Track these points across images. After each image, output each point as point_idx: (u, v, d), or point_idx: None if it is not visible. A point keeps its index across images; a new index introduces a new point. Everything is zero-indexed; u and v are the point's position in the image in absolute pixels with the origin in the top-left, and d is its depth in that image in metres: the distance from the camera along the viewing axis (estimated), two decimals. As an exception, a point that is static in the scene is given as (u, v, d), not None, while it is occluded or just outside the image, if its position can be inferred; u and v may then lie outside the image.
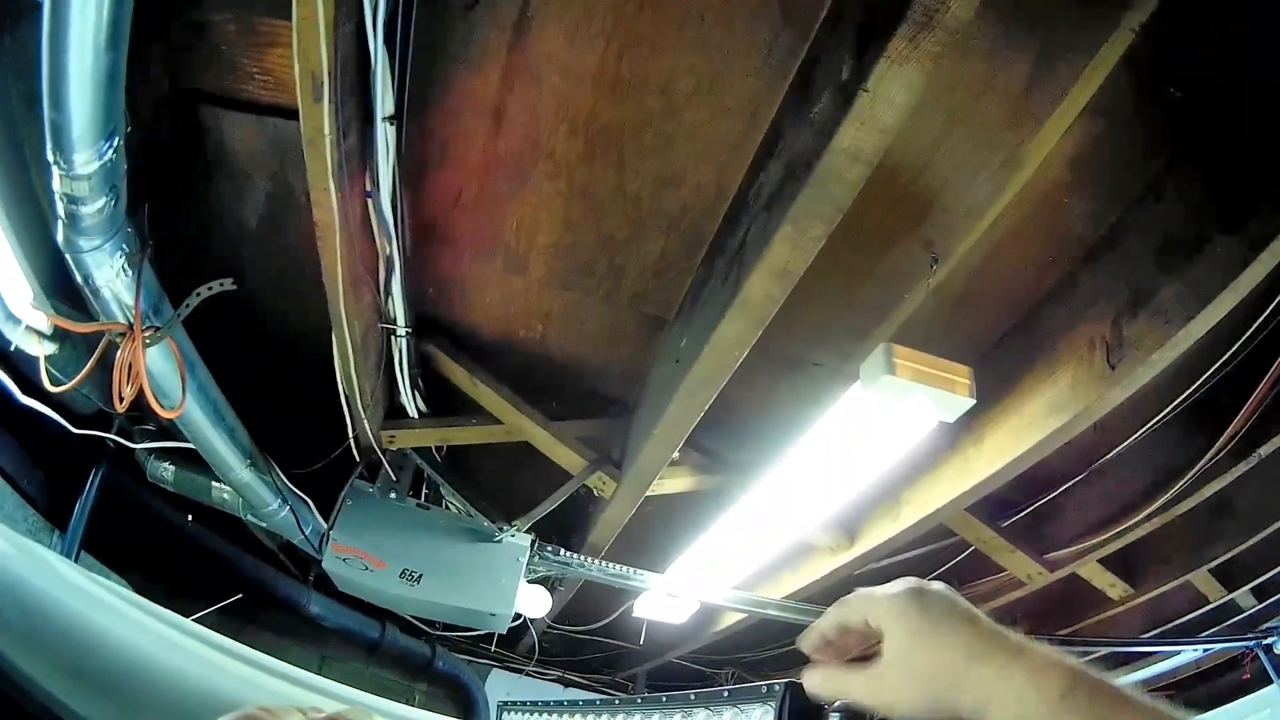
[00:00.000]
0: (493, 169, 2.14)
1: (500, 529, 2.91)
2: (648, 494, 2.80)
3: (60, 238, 1.96)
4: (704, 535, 3.01)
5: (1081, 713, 0.63)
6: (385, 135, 1.83)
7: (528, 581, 3.16)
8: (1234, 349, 2.16)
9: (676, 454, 2.43)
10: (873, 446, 2.24)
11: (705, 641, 4.41)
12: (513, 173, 2.12)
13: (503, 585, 2.92)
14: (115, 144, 1.75)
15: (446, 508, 3.10)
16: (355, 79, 1.73)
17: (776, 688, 1.28)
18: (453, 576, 2.90)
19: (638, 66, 1.82)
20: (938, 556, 3.45)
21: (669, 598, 3.69)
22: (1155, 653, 3.71)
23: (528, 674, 5.30)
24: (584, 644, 4.98)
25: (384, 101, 1.77)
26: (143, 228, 2.11)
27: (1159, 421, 2.48)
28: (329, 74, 1.56)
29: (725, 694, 1.50)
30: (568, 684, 5.38)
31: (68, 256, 2.02)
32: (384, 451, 2.90)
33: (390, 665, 4.73)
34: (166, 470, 3.45)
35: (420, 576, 2.87)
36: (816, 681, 0.89)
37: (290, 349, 2.66)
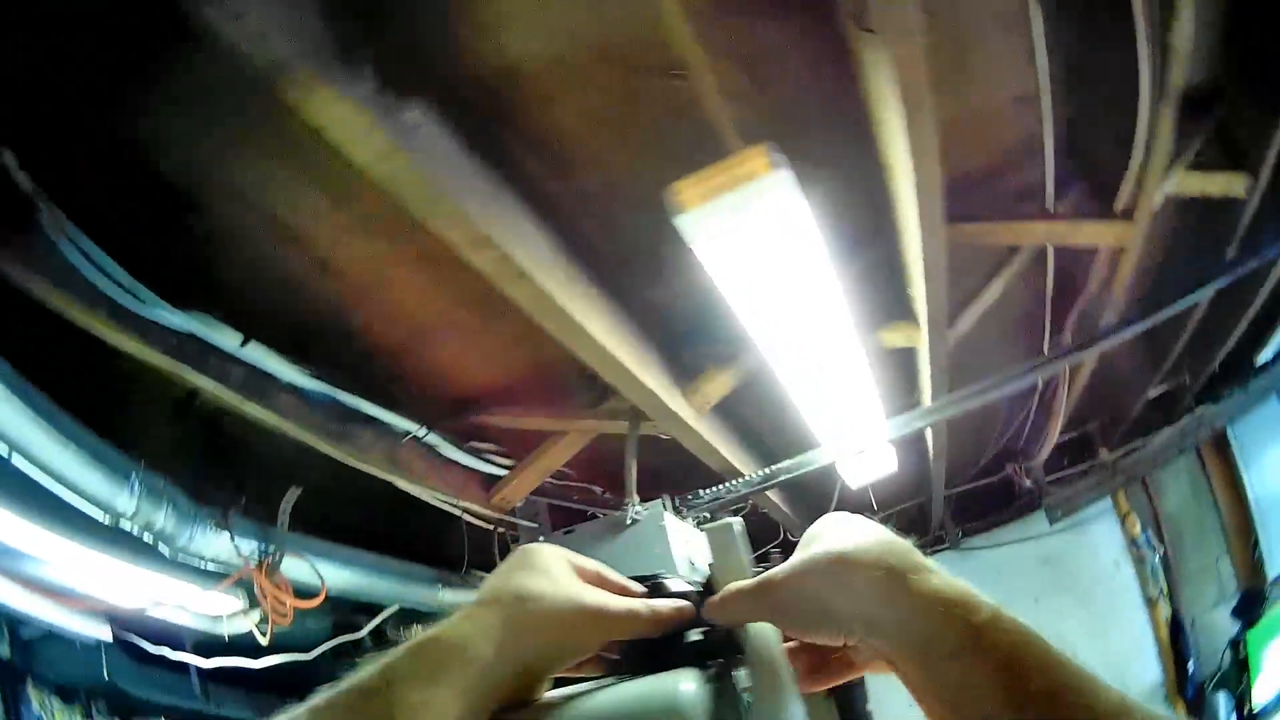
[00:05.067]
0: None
1: (626, 511, 3.02)
2: (705, 409, 2.89)
3: (169, 554, 2.48)
4: (798, 401, 2.99)
5: (996, 650, 0.57)
6: (254, 356, 2.30)
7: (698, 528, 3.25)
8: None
9: (657, 384, 2.50)
10: (785, 253, 2.09)
11: (939, 473, 4.25)
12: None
13: (657, 554, 3.04)
14: (136, 479, 2.25)
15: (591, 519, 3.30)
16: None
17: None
18: (618, 570, 3.05)
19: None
20: (1030, 274, 3.23)
21: (858, 455, 3.57)
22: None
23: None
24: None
25: (231, 340, 2.23)
26: (215, 499, 2.60)
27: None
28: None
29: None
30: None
31: (181, 559, 2.54)
32: (511, 513, 3.12)
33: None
34: (416, 633, 3.92)
35: (592, 585, 3.05)
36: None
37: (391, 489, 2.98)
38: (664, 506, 3.14)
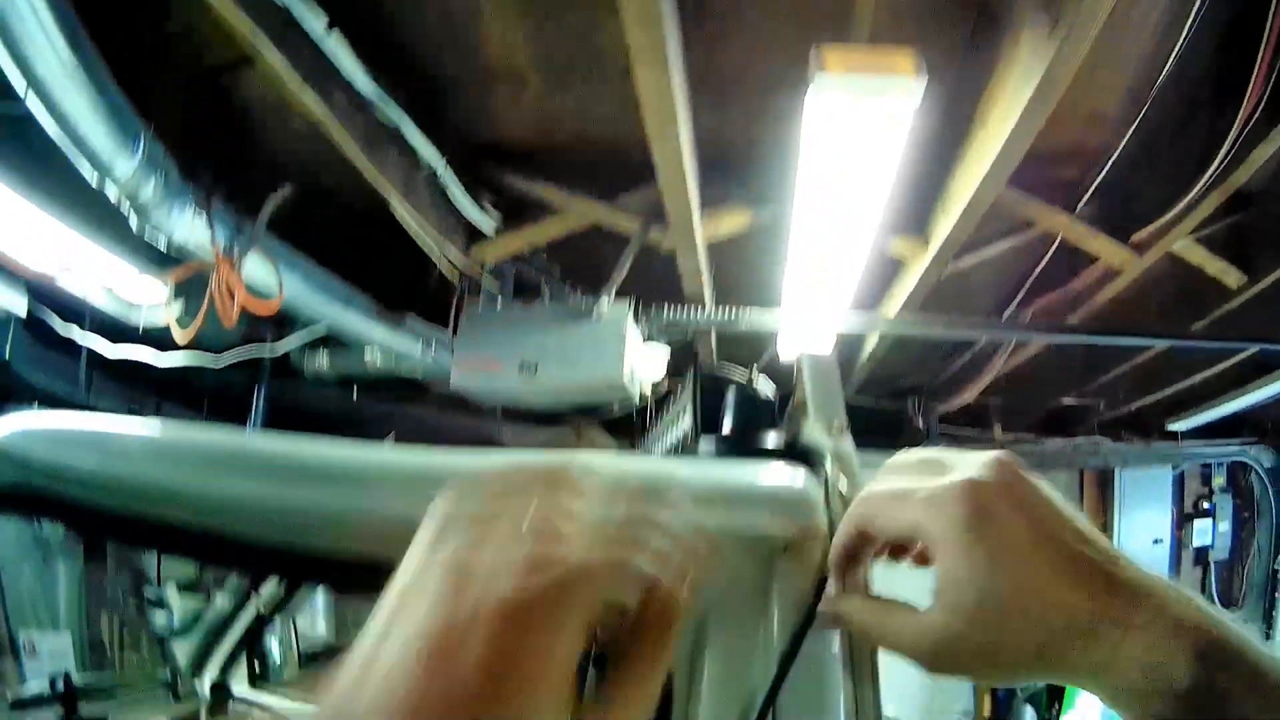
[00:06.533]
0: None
1: (595, 303, 3.45)
2: (712, 239, 3.28)
3: (137, 227, 2.55)
4: (789, 267, 3.33)
5: (1206, 711, 0.52)
6: (331, 44, 2.40)
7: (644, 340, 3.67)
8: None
9: (695, 194, 2.84)
10: (871, 147, 2.45)
11: (860, 376, 4.77)
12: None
13: (609, 354, 3.42)
14: (143, 141, 2.32)
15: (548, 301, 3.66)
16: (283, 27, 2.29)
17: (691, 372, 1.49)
18: (564, 359, 3.46)
19: None
20: (1029, 252, 3.69)
21: (806, 332, 3.93)
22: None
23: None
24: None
25: (316, 21, 2.32)
26: (205, 182, 2.70)
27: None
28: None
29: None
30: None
31: (149, 235, 2.61)
32: (480, 269, 3.44)
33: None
34: (323, 360, 4.36)
35: (536, 366, 3.45)
36: (839, 616, 0.72)
37: (375, 218, 3.22)
38: (630, 311, 3.46)
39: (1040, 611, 0.55)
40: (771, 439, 1.05)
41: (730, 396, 1.12)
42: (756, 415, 1.09)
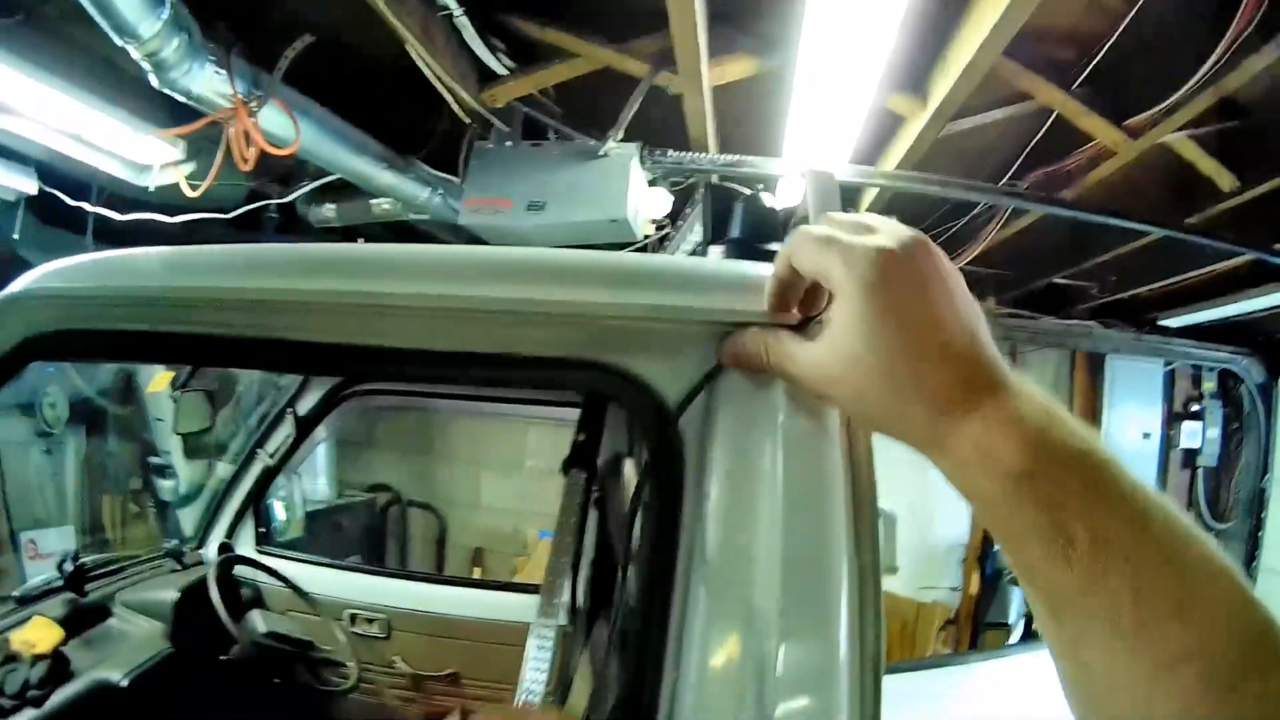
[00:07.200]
0: None
1: (602, 143, 3.61)
2: (718, 84, 3.41)
3: (157, 84, 2.66)
4: (791, 117, 3.47)
5: (1036, 504, 0.58)
6: None
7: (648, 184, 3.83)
8: None
9: (704, 38, 2.96)
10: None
11: None
12: None
13: (614, 192, 3.59)
14: (168, 2, 2.41)
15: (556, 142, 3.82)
16: None
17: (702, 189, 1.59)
18: (570, 196, 3.63)
19: None
20: (1025, 125, 3.85)
21: (803, 178, 4.03)
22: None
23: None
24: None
25: None
26: (225, 39, 2.83)
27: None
28: None
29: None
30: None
31: (168, 92, 2.72)
32: (490, 110, 3.63)
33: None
34: (329, 209, 4.48)
35: (544, 205, 3.62)
36: (738, 344, 0.89)
37: (388, 71, 3.37)
38: (637, 152, 3.61)
39: (905, 381, 0.65)
40: (775, 245, 1.17)
41: (738, 207, 1.24)
42: (764, 225, 1.20)
